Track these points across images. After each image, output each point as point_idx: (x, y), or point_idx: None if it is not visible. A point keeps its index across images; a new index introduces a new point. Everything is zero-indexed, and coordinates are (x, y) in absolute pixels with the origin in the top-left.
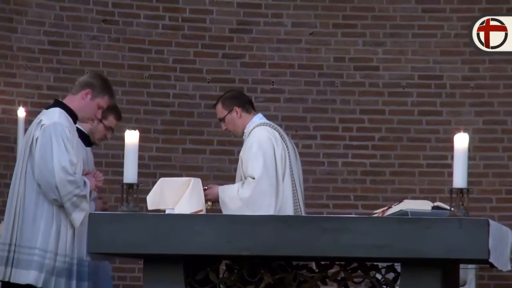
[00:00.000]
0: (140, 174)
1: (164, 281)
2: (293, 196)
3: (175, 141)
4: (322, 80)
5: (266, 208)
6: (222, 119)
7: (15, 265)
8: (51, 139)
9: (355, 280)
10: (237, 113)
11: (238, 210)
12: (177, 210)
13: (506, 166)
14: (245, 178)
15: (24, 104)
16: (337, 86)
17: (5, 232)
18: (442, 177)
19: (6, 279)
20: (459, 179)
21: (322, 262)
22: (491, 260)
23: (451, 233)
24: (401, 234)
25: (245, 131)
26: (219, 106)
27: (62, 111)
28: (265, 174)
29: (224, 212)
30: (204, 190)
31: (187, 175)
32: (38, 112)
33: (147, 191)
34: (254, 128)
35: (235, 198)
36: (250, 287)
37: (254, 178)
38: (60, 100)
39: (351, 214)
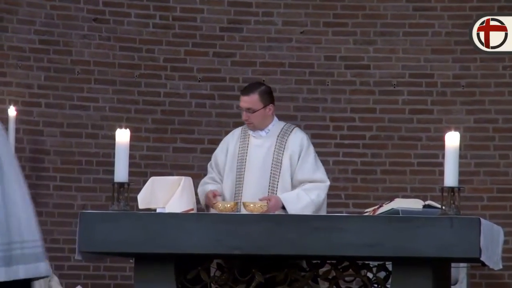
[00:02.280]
0: (131, 173)
1: (155, 280)
2: None
3: (166, 140)
4: (313, 78)
5: (324, 211)
6: (254, 111)
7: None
8: None
9: (346, 279)
10: (270, 110)
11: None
12: (168, 209)
13: (497, 165)
14: (298, 179)
15: (15, 103)
16: (327, 85)
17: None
18: (433, 175)
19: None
20: (450, 178)
21: (314, 261)
22: (482, 258)
23: (443, 231)
24: (392, 233)
25: (269, 128)
26: (256, 97)
27: None
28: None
29: None
30: (263, 202)
31: (178, 174)
32: (29, 111)
33: (138, 190)
34: (293, 128)
35: (310, 205)
36: (241, 286)
37: (324, 183)
38: None
39: (342, 213)
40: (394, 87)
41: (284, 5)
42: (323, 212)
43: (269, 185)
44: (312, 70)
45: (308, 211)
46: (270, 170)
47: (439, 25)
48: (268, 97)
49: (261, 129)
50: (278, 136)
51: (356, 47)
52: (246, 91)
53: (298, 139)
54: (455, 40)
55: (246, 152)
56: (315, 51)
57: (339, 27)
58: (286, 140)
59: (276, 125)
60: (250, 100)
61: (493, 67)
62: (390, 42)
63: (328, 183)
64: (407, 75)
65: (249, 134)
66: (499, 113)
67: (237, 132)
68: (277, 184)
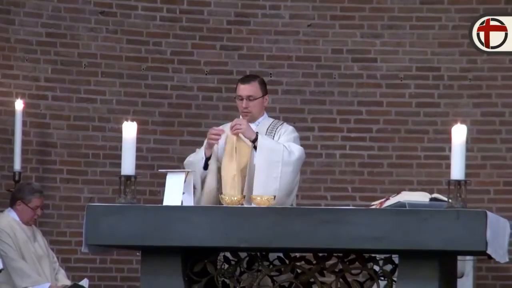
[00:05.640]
0: (137, 166)
1: (162, 273)
2: None
3: (173, 133)
4: (320, 72)
5: (294, 179)
6: (255, 99)
7: None
8: None
9: (353, 271)
10: (266, 101)
11: (269, 163)
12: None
13: (504, 158)
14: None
15: (22, 96)
16: (335, 78)
17: None
18: (440, 168)
19: None
20: (457, 171)
21: (320, 254)
22: (488, 251)
23: (449, 224)
24: (399, 226)
25: (260, 120)
26: (257, 85)
27: None
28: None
29: (257, 156)
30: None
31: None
32: (36, 104)
33: (145, 183)
34: (282, 123)
35: (281, 151)
36: (248, 279)
37: (302, 149)
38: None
39: (348, 205)
40: (401, 80)
41: None
42: (294, 180)
43: None
44: (319, 63)
45: (276, 156)
46: None
47: (446, 19)
48: (265, 87)
49: (253, 122)
50: (267, 130)
51: (363, 40)
52: (247, 79)
53: (285, 129)
54: (462, 34)
55: None
56: (322, 44)
57: (346, 20)
58: (274, 134)
59: (266, 120)
60: (252, 88)
61: (500, 60)
62: (397, 36)
63: (303, 152)
64: (414, 68)
65: None
66: (506, 106)
67: (227, 125)
68: None
